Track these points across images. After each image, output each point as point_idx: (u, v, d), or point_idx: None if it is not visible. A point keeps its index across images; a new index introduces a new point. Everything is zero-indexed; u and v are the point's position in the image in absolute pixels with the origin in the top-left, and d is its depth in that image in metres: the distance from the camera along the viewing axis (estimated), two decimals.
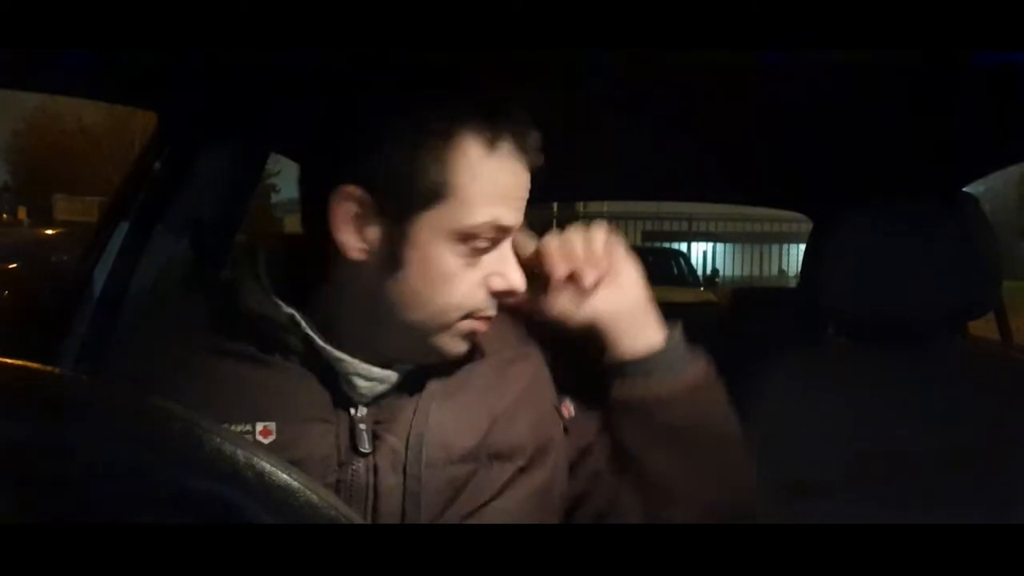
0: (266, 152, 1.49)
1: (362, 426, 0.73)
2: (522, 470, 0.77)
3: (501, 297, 0.72)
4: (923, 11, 0.65)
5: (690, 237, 13.08)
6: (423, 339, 0.72)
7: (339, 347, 0.72)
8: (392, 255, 0.69)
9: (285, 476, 0.37)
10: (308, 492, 0.37)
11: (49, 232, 10.01)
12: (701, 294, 6.58)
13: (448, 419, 0.74)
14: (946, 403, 0.97)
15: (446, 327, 0.72)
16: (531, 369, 0.82)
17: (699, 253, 13.53)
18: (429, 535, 0.40)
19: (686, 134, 1.45)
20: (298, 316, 0.71)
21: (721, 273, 12.33)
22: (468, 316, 0.72)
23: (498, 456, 0.76)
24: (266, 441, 0.70)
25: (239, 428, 0.70)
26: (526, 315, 0.82)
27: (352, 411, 0.73)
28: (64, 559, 0.34)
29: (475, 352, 0.78)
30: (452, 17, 0.71)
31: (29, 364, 0.37)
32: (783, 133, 1.40)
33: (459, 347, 0.74)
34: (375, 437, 0.73)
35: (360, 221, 0.68)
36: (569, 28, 0.73)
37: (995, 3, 0.64)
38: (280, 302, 0.72)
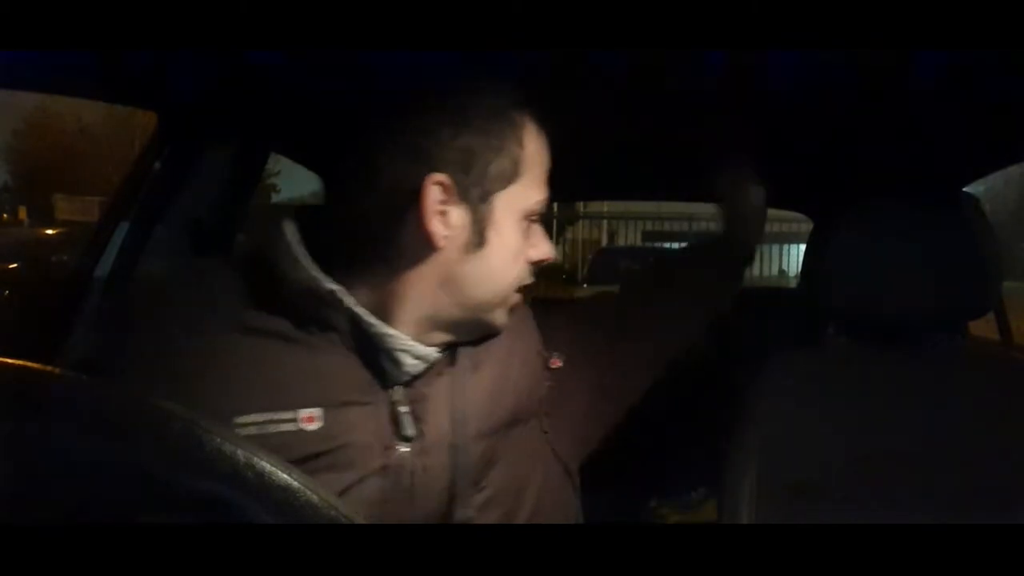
0: (266, 152, 1.49)
1: (403, 408, 0.74)
2: (531, 429, 0.82)
3: (536, 266, 0.77)
4: (923, 11, 0.65)
5: (690, 237, 13.07)
6: (483, 313, 0.76)
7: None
8: (475, 236, 0.72)
9: (285, 476, 0.37)
10: (308, 492, 0.37)
11: (49, 232, 10.01)
12: None
13: (480, 391, 0.77)
14: (946, 403, 0.97)
15: (505, 300, 0.77)
16: (526, 329, 0.86)
17: None
18: (429, 535, 0.40)
19: (687, 134, 1.44)
20: (342, 291, 0.72)
21: None
22: (517, 288, 0.77)
23: (514, 422, 0.80)
24: (310, 428, 0.70)
25: (280, 416, 0.69)
26: None
27: (389, 393, 0.74)
28: (64, 559, 0.34)
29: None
30: (452, 17, 0.71)
31: (29, 364, 0.37)
32: (783, 133, 1.40)
33: (505, 319, 0.78)
34: (416, 418, 0.74)
35: (445, 207, 0.71)
36: (569, 28, 0.73)
37: (995, 3, 0.64)
38: (322, 276, 0.72)
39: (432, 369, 0.75)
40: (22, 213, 16.98)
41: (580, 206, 13.46)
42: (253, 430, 0.68)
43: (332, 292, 0.71)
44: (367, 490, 0.71)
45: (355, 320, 0.72)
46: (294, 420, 0.69)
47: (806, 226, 2.17)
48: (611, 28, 0.74)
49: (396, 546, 0.38)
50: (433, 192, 0.70)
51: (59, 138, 19.70)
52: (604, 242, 14.29)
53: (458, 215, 0.71)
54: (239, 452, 0.37)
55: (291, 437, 0.69)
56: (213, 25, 0.71)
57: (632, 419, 0.91)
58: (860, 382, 1.01)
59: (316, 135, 0.77)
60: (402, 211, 0.71)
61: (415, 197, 0.70)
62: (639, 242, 12.97)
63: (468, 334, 0.77)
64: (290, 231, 0.74)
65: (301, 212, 0.77)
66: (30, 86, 1.02)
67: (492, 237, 0.73)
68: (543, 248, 0.77)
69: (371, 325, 0.72)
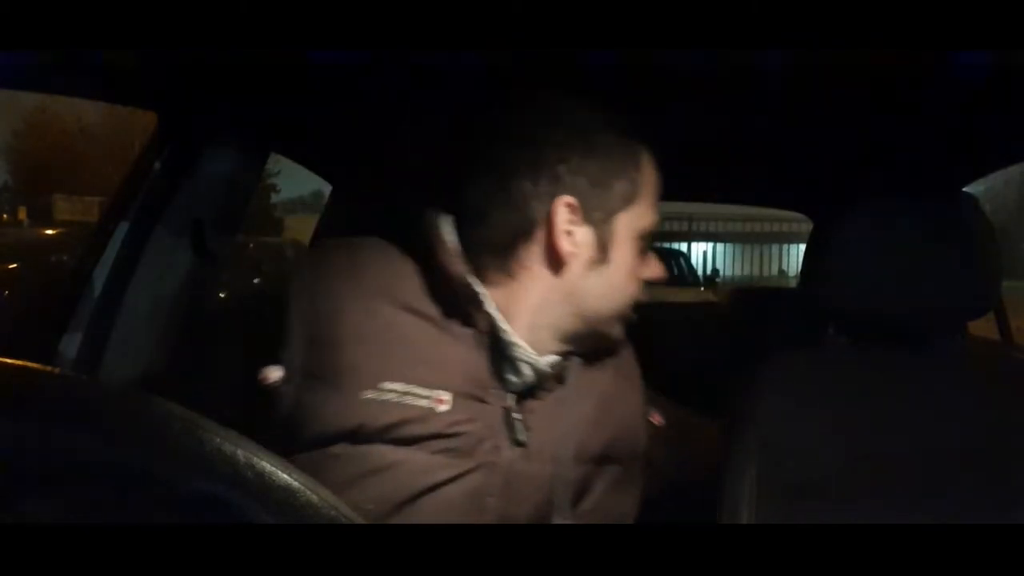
0: (266, 152, 1.49)
1: (516, 415, 0.79)
2: (624, 474, 0.87)
3: (649, 284, 0.83)
4: (923, 11, 0.66)
5: (690, 237, 13.08)
6: (601, 326, 0.83)
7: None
8: (597, 254, 0.80)
9: (285, 476, 0.37)
10: (308, 492, 0.37)
11: (49, 232, 10.01)
12: (701, 294, 6.59)
13: (583, 417, 0.83)
14: (946, 403, 0.97)
15: (621, 314, 0.84)
16: (635, 375, 0.93)
17: (699, 253, 13.53)
18: (429, 535, 0.40)
19: (686, 134, 1.45)
20: (486, 295, 0.78)
21: (721, 273, 12.34)
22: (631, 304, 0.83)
23: (609, 458, 0.85)
24: (440, 409, 0.76)
25: (419, 392, 0.75)
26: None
27: (504, 398, 0.80)
28: (64, 559, 0.34)
29: (600, 351, 0.87)
30: (452, 17, 0.71)
31: (29, 364, 0.37)
32: (783, 133, 1.40)
33: (620, 333, 0.85)
34: (526, 428, 0.79)
35: (572, 226, 0.78)
36: (569, 28, 0.73)
37: (994, 3, 0.64)
38: (473, 278, 0.79)
39: (543, 386, 0.82)
40: (22, 213, 16.98)
41: None
42: (392, 396, 0.75)
43: (478, 294, 0.78)
44: (472, 482, 0.77)
45: (492, 324, 0.78)
46: (429, 398, 0.75)
47: (806, 226, 2.17)
48: (610, 28, 0.74)
49: (396, 546, 0.38)
50: (562, 212, 0.78)
51: (59, 138, 19.71)
52: None
53: (583, 234, 0.79)
54: (239, 452, 0.37)
55: (423, 412, 0.75)
56: (213, 25, 0.71)
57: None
58: (860, 382, 1.01)
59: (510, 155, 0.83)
60: (533, 228, 0.79)
61: (546, 216, 0.78)
62: None
63: (583, 345, 0.84)
64: (448, 231, 0.82)
65: (455, 216, 0.84)
66: (30, 86, 1.02)
67: (613, 255, 0.80)
68: (655, 267, 0.85)
69: (504, 332, 0.78)
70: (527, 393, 0.81)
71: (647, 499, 0.91)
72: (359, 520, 0.39)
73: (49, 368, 0.37)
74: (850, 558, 0.41)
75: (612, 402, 0.87)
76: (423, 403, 0.75)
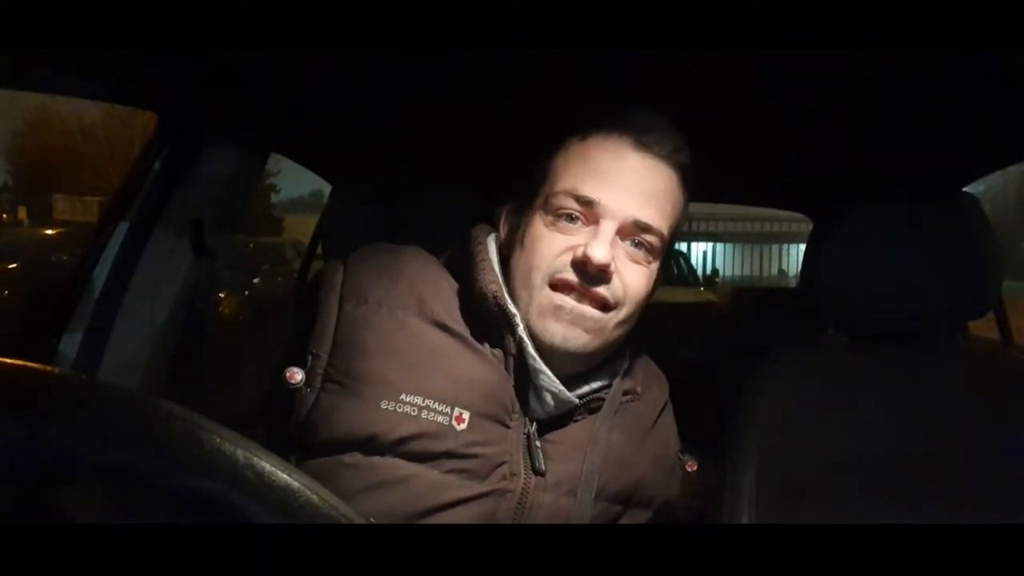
0: (266, 152, 1.49)
1: (538, 443, 0.78)
2: (650, 519, 0.85)
3: (580, 267, 0.77)
4: (923, 11, 0.65)
5: (690, 237, 13.08)
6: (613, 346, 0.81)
7: (542, 356, 0.77)
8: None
9: (285, 476, 0.37)
10: (308, 492, 0.37)
11: (49, 232, 10.01)
12: (701, 294, 6.58)
13: (612, 456, 0.81)
14: (946, 403, 0.97)
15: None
16: (669, 419, 0.92)
17: (699, 253, 13.53)
18: (429, 535, 0.40)
19: (686, 134, 1.44)
20: (519, 318, 0.77)
21: (721, 273, 12.34)
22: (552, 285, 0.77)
23: (639, 502, 0.84)
24: (458, 428, 0.75)
25: (438, 407, 0.74)
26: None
27: (527, 425, 0.78)
28: (64, 559, 0.34)
29: (632, 389, 0.86)
30: (453, 17, 0.71)
31: (29, 364, 0.37)
32: (784, 133, 1.40)
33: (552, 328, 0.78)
34: (547, 457, 0.78)
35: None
36: (569, 28, 0.73)
37: (994, 3, 0.64)
38: (508, 300, 0.78)
39: (571, 416, 0.81)
40: (22, 213, 16.97)
41: None
42: (410, 409, 0.74)
43: (513, 316, 0.77)
44: (483, 506, 0.75)
45: (521, 347, 0.77)
46: (448, 415, 0.74)
47: (806, 226, 2.17)
48: (609, 28, 0.74)
49: (396, 546, 0.38)
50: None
51: (59, 138, 19.70)
52: None
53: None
54: (239, 452, 0.37)
55: (440, 428, 0.74)
56: (213, 25, 0.71)
57: None
58: (860, 382, 1.01)
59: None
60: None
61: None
62: None
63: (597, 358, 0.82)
64: (492, 250, 0.83)
65: (502, 234, 0.86)
66: (30, 86, 1.02)
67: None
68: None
69: (532, 357, 0.77)
70: (554, 422, 0.80)
71: None
72: (359, 520, 0.39)
73: (49, 368, 0.37)
74: (850, 558, 0.41)
75: (645, 443, 0.86)
76: (441, 419, 0.74)
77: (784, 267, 14.75)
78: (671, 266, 8.22)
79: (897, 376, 1.00)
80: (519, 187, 0.83)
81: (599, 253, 0.75)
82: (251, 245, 9.16)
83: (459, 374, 0.76)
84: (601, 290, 0.76)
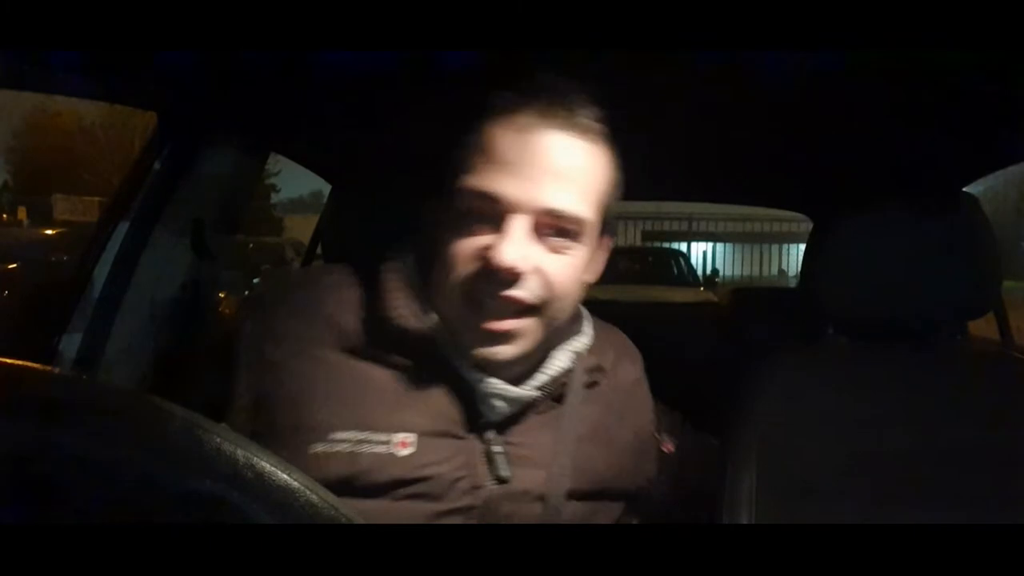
0: (266, 152, 1.49)
1: (497, 449, 0.72)
2: (628, 509, 0.80)
3: (492, 274, 0.68)
4: (923, 11, 0.65)
5: (690, 237, 13.08)
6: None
7: (475, 366, 0.71)
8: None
9: (285, 476, 0.37)
10: (308, 492, 0.37)
11: (49, 232, 10.00)
12: (701, 294, 6.58)
13: (584, 448, 0.75)
14: (946, 403, 0.97)
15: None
16: (644, 396, 0.86)
17: (699, 253, 13.53)
18: (429, 535, 0.40)
19: (686, 134, 1.44)
20: (442, 340, 0.72)
21: (721, 273, 12.34)
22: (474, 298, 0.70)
23: (614, 494, 0.78)
24: (403, 453, 0.69)
25: (375, 438, 0.69)
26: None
27: (485, 431, 0.72)
28: (64, 559, 0.34)
29: (598, 366, 0.80)
30: (453, 17, 0.71)
31: (29, 364, 0.37)
32: (783, 133, 1.40)
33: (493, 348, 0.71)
34: (511, 462, 0.72)
35: None
36: (569, 28, 0.73)
37: (994, 3, 0.64)
38: (424, 315, 0.72)
39: (533, 414, 0.75)
40: (22, 213, 16.96)
41: None
42: (344, 447, 0.69)
43: (431, 341, 0.72)
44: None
45: (447, 363, 0.72)
46: (388, 443, 0.69)
47: (806, 226, 2.17)
48: (609, 28, 0.74)
49: (396, 546, 0.38)
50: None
51: (59, 138, 19.70)
52: None
53: None
54: (239, 452, 0.37)
55: (381, 458, 0.69)
56: (213, 25, 0.71)
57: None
58: (860, 382, 1.01)
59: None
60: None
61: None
62: (639, 242, 12.98)
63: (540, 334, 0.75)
64: (402, 274, 0.76)
65: (412, 249, 0.78)
66: (30, 86, 1.02)
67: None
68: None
69: (466, 371, 0.72)
70: (515, 420, 0.74)
71: None
72: (359, 520, 0.39)
73: (49, 368, 0.37)
74: (850, 558, 0.41)
75: (614, 429, 0.80)
76: (380, 449, 0.69)
77: (784, 267, 14.75)
78: (671, 266, 8.25)
79: (897, 376, 1.00)
80: (432, 191, 0.76)
81: (507, 257, 0.67)
82: (251, 245, 9.16)
83: (393, 398, 0.71)
84: (518, 294, 0.69)
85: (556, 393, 0.77)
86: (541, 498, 0.72)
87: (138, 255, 1.20)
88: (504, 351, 0.70)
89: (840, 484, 0.92)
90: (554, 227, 0.70)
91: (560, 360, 0.77)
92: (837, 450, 0.95)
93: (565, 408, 0.76)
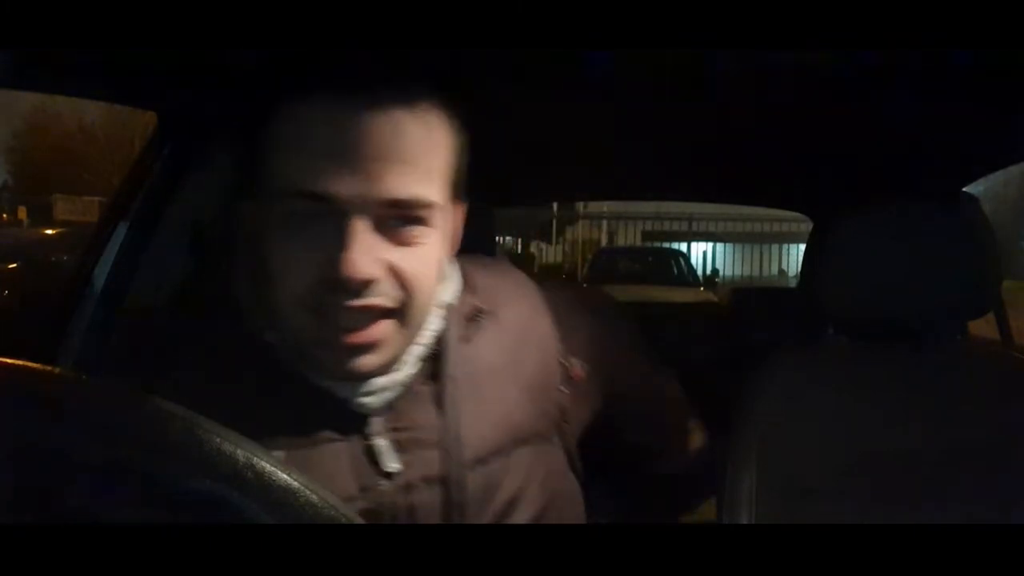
0: None
1: (380, 441, 0.64)
2: (544, 449, 0.72)
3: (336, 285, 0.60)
4: (923, 11, 0.65)
5: (690, 237, 13.08)
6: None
7: (339, 380, 0.63)
8: None
9: (285, 476, 0.37)
10: (308, 492, 0.37)
11: (49, 232, 10.01)
12: (701, 294, 6.58)
13: (479, 409, 0.67)
14: (946, 403, 0.97)
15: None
16: (543, 330, 0.75)
17: (699, 253, 13.53)
18: (429, 535, 0.40)
19: (687, 134, 1.45)
20: (280, 348, 0.64)
21: (721, 273, 12.34)
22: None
23: (524, 441, 0.69)
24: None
25: None
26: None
27: (366, 425, 0.64)
28: (64, 559, 0.34)
29: (477, 310, 0.71)
30: (453, 17, 0.71)
31: (29, 364, 0.37)
32: (783, 133, 1.40)
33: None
34: (398, 449, 0.64)
35: None
36: (569, 28, 0.73)
37: (994, 2, 0.64)
38: (267, 330, 0.65)
39: (415, 390, 0.66)
40: (22, 213, 16.96)
41: (580, 206, 13.45)
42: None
43: (270, 343, 0.64)
44: None
45: (307, 381, 0.64)
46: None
47: (806, 226, 2.17)
48: (609, 28, 0.74)
49: (396, 546, 0.38)
50: None
51: (59, 138, 19.70)
52: (604, 242, 14.31)
53: None
54: (239, 452, 0.37)
55: None
56: (213, 25, 0.71)
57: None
58: (860, 382, 1.01)
59: None
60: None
61: None
62: (639, 242, 12.98)
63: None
64: (245, 277, 0.68)
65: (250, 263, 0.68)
66: (30, 86, 1.02)
67: None
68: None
69: (310, 378, 0.64)
70: (394, 406, 0.65)
71: (589, 466, 0.77)
72: (359, 520, 0.39)
73: (49, 368, 0.37)
74: (850, 558, 0.41)
75: (510, 373, 0.70)
76: None
77: (784, 267, 14.75)
78: (671, 266, 8.27)
79: (897, 376, 1.00)
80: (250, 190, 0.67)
81: (353, 265, 0.58)
82: None
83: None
84: (374, 301, 0.61)
85: (434, 357, 0.68)
86: (442, 479, 0.64)
87: (138, 255, 1.20)
88: (369, 361, 0.62)
89: (840, 484, 0.92)
90: (400, 217, 0.61)
91: (431, 324, 0.68)
92: (837, 450, 0.95)
93: (446, 372, 0.67)
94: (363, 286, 0.60)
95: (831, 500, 0.91)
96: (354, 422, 0.64)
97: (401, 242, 0.62)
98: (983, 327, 1.36)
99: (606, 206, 13.14)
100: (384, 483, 0.63)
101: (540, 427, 0.72)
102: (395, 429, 0.65)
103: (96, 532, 0.35)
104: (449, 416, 0.65)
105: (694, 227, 12.99)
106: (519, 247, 14.21)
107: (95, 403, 0.37)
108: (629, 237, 13.35)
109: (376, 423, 0.65)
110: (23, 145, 20.73)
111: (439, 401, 0.66)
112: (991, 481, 0.90)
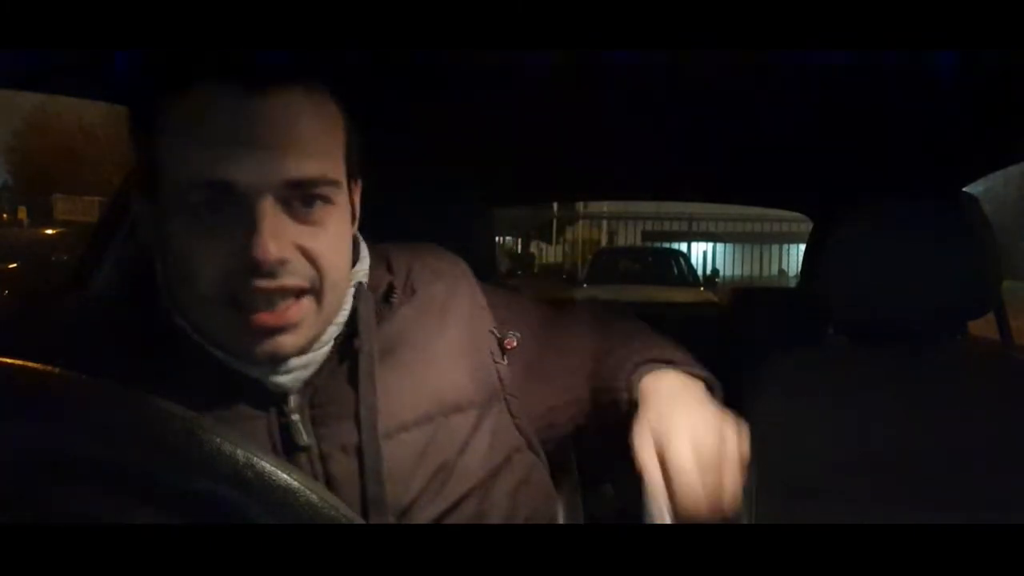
0: None
1: (295, 417, 0.65)
2: (480, 416, 0.72)
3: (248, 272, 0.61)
4: (923, 11, 0.66)
5: (690, 237, 13.08)
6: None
7: (256, 364, 0.64)
8: None
9: (285, 476, 0.37)
10: (308, 492, 0.37)
11: (49, 232, 10.01)
12: (701, 294, 6.58)
13: (397, 379, 0.68)
14: (946, 403, 0.97)
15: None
16: (468, 303, 0.77)
17: (699, 253, 13.53)
18: (429, 535, 0.40)
19: (687, 134, 1.45)
20: (191, 333, 0.65)
21: (721, 273, 12.34)
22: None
23: (456, 408, 0.71)
24: None
25: None
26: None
27: (285, 403, 0.65)
28: (64, 559, 0.34)
29: (390, 288, 0.73)
30: (453, 16, 0.71)
31: (29, 364, 0.37)
32: (783, 133, 1.40)
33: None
34: (316, 424, 0.65)
35: None
36: (569, 28, 0.73)
37: (994, 3, 0.64)
38: (177, 315, 0.65)
39: (331, 367, 0.67)
40: (22, 213, 16.96)
41: (580, 206, 13.47)
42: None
43: (183, 329, 0.65)
44: None
45: (209, 357, 0.65)
46: None
47: (806, 226, 2.17)
48: (610, 28, 0.74)
49: (396, 546, 0.38)
50: None
51: (59, 138, 19.69)
52: (604, 242, 14.31)
53: None
54: (239, 452, 0.37)
55: None
56: (214, 24, 0.71)
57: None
58: (860, 382, 1.01)
59: None
60: None
61: None
62: (639, 242, 12.98)
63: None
64: (159, 268, 0.68)
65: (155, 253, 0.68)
66: (30, 86, 1.02)
67: None
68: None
69: (226, 362, 0.64)
70: (311, 383, 0.66)
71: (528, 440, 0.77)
72: (359, 520, 0.39)
73: (49, 368, 0.37)
74: (850, 558, 0.41)
75: (440, 349, 0.72)
76: None
77: (784, 267, 14.75)
78: (671, 266, 8.27)
79: (897, 376, 1.00)
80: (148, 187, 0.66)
81: (261, 248, 0.59)
82: None
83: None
84: (286, 282, 0.62)
85: (348, 335, 0.69)
86: (358, 448, 0.65)
87: (138, 255, 1.20)
88: (285, 342, 0.63)
89: (840, 484, 0.92)
90: (303, 198, 0.63)
91: (346, 303, 0.70)
92: (837, 450, 0.95)
93: (362, 348, 0.68)
94: (275, 267, 0.61)
95: (831, 500, 0.91)
96: (274, 401, 0.66)
97: (307, 221, 0.63)
98: (983, 327, 1.36)
99: (606, 206, 13.15)
100: (298, 457, 0.64)
101: (477, 396, 0.73)
102: (313, 405, 0.66)
103: (96, 532, 0.35)
104: (364, 389, 0.67)
105: (694, 227, 12.99)
106: (519, 247, 14.23)
107: (95, 403, 0.37)
108: (629, 237, 13.35)
109: (294, 400, 0.66)
110: (23, 145, 20.72)
111: (353, 376, 0.67)
112: (991, 481, 0.90)
